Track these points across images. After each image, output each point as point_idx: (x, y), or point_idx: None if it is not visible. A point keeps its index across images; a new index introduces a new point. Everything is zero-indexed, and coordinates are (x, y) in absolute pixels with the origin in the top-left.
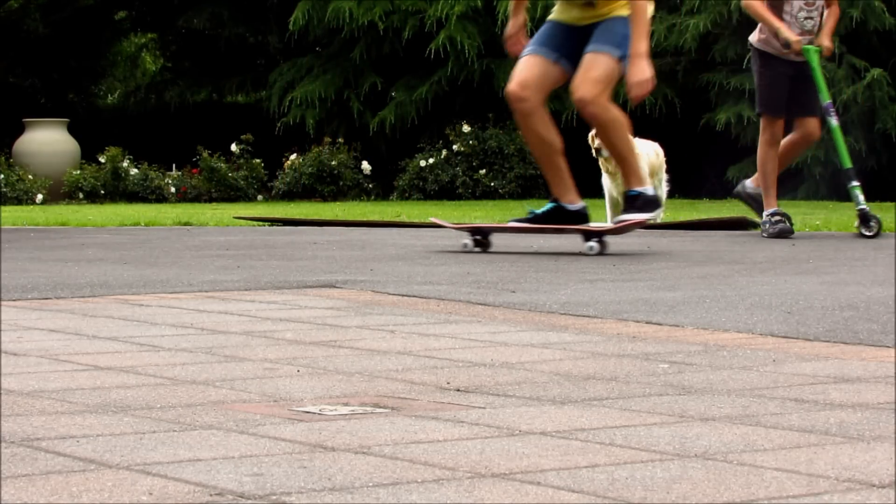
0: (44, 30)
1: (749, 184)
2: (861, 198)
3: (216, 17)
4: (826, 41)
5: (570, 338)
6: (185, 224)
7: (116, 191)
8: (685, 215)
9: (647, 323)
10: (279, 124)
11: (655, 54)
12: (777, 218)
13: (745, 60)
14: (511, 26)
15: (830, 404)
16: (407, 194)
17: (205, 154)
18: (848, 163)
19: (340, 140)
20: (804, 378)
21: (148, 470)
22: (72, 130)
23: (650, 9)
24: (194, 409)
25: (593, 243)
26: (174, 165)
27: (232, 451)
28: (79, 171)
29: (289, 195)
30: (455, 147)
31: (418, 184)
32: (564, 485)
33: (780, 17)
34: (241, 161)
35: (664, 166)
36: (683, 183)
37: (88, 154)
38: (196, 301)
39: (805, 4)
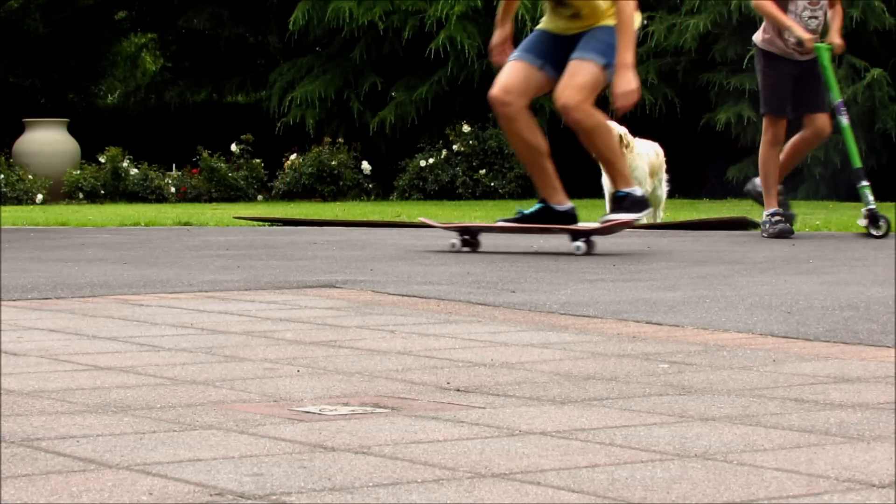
0: (44, 30)
1: (759, 181)
2: (870, 198)
3: (216, 17)
4: (837, 39)
5: (570, 338)
6: (185, 224)
7: (116, 191)
8: (685, 215)
9: (647, 323)
10: (279, 124)
11: (655, 54)
12: (777, 218)
13: (745, 60)
14: (497, 36)
15: (830, 404)
16: (407, 194)
17: (205, 154)
18: (858, 162)
19: (340, 140)
20: (804, 378)
21: (148, 470)
22: (72, 130)
23: (637, 20)
24: (194, 409)
25: (580, 243)
26: (174, 165)
27: (232, 451)
28: (79, 171)
29: (289, 195)
30: (455, 147)
31: (418, 184)
32: (564, 485)
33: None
34: (241, 161)
35: (664, 166)
36: (683, 183)
37: (88, 154)
38: (196, 301)
39: (809, 4)
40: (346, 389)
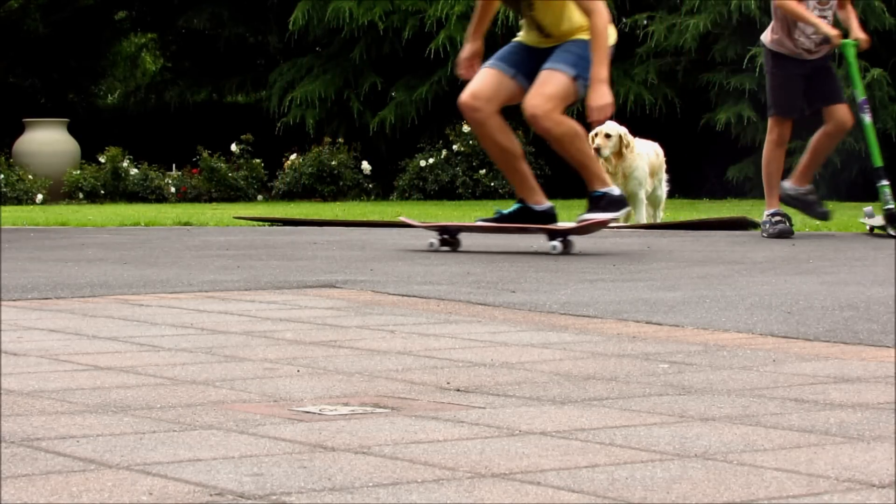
0: (44, 30)
1: (787, 185)
2: (889, 197)
3: (216, 17)
4: (862, 34)
5: (570, 338)
6: (185, 224)
7: (116, 191)
8: (685, 215)
9: (647, 323)
10: (279, 124)
11: (655, 54)
12: (777, 218)
13: (745, 60)
14: (466, 50)
15: (830, 404)
16: (407, 194)
17: (205, 154)
18: (879, 161)
19: (340, 140)
20: (804, 378)
21: (148, 470)
22: (72, 130)
23: (612, 36)
24: (194, 409)
25: (556, 242)
26: (174, 165)
27: (232, 451)
28: (79, 171)
29: (289, 195)
30: (455, 147)
31: (418, 184)
32: (564, 485)
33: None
34: (241, 161)
35: (664, 166)
36: (683, 183)
37: (88, 154)
38: (196, 301)
39: (818, 3)
40: (346, 389)
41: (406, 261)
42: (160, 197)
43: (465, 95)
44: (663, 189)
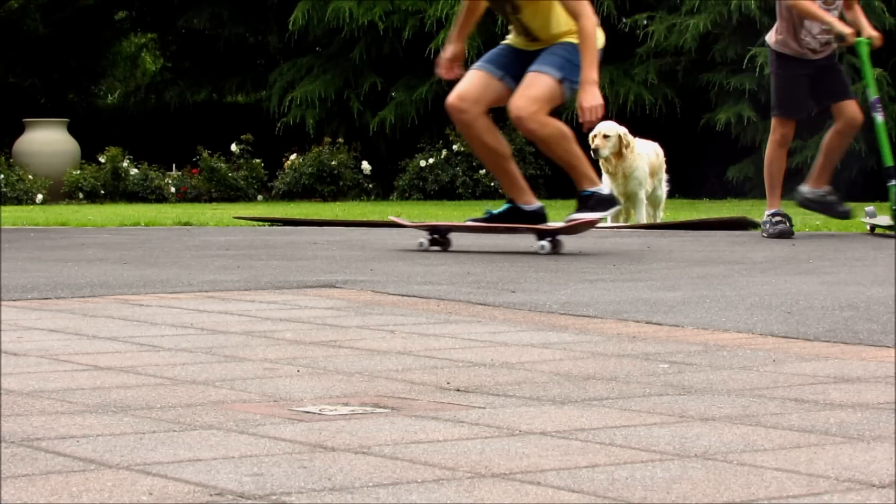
0: (44, 30)
1: (805, 189)
2: None
3: (216, 17)
4: (874, 32)
5: (570, 338)
6: (185, 224)
7: (116, 191)
8: (685, 215)
9: (647, 323)
10: (279, 124)
11: (655, 54)
12: (777, 219)
13: (745, 60)
14: (448, 51)
15: (830, 404)
16: (407, 194)
17: (205, 154)
18: (890, 160)
19: (340, 140)
20: (804, 378)
21: (148, 470)
22: (72, 130)
23: (600, 39)
24: (194, 409)
25: (545, 242)
26: (174, 165)
27: (232, 451)
28: (79, 171)
29: (289, 195)
30: (455, 147)
31: (418, 184)
32: (564, 485)
33: (802, 18)
34: (241, 161)
35: (664, 166)
36: (683, 183)
37: (88, 154)
38: (196, 301)
39: (824, 3)
40: (346, 389)
41: (406, 261)
42: (160, 197)
43: (452, 97)
44: (663, 189)
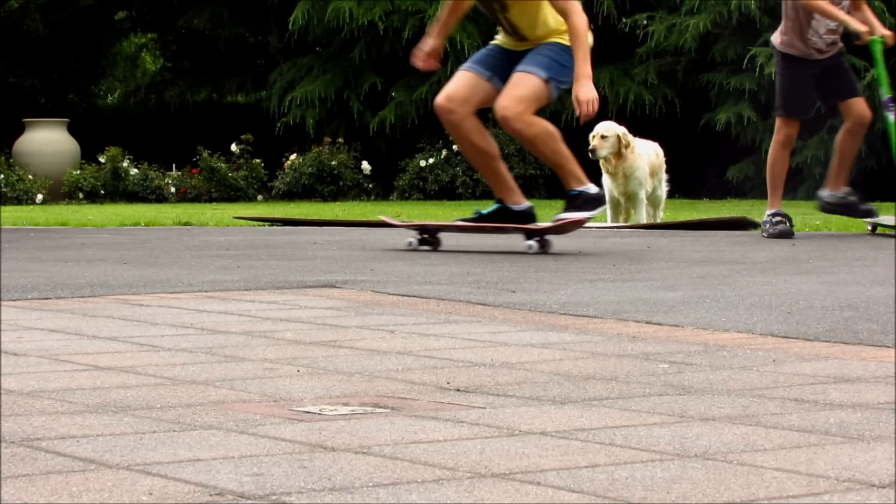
0: (44, 30)
1: (825, 193)
2: None
3: (216, 17)
4: (886, 31)
5: (570, 338)
6: (185, 224)
7: (116, 191)
8: (685, 215)
9: (647, 323)
10: (279, 124)
11: (655, 54)
12: (778, 219)
13: (745, 60)
14: (427, 45)
15: (830, 404)
16: (407, 194)
17: (205, 154)
18: None
19: (340, 140)
20: (804, 378)
21: (148, 470)
22: (72, 130)
23: (589, 37)
24: (194, 409)
25: (532, 242)
26: (174, 165)
27: (232, 451)
28: (79, 171)
29: (289, 195)
30: (455, 147)
31: (418, 184)
32: (564, 485)
33: (809, 18)
34: (241, 161)
35: (664, 166)
36: (683, 183)
37: (88, 154)
38: (196, 301)
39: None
40: (346, 389)
41: (406, 261)
42: (160, 197)
43: (440, 98)
44: (663, 189)
